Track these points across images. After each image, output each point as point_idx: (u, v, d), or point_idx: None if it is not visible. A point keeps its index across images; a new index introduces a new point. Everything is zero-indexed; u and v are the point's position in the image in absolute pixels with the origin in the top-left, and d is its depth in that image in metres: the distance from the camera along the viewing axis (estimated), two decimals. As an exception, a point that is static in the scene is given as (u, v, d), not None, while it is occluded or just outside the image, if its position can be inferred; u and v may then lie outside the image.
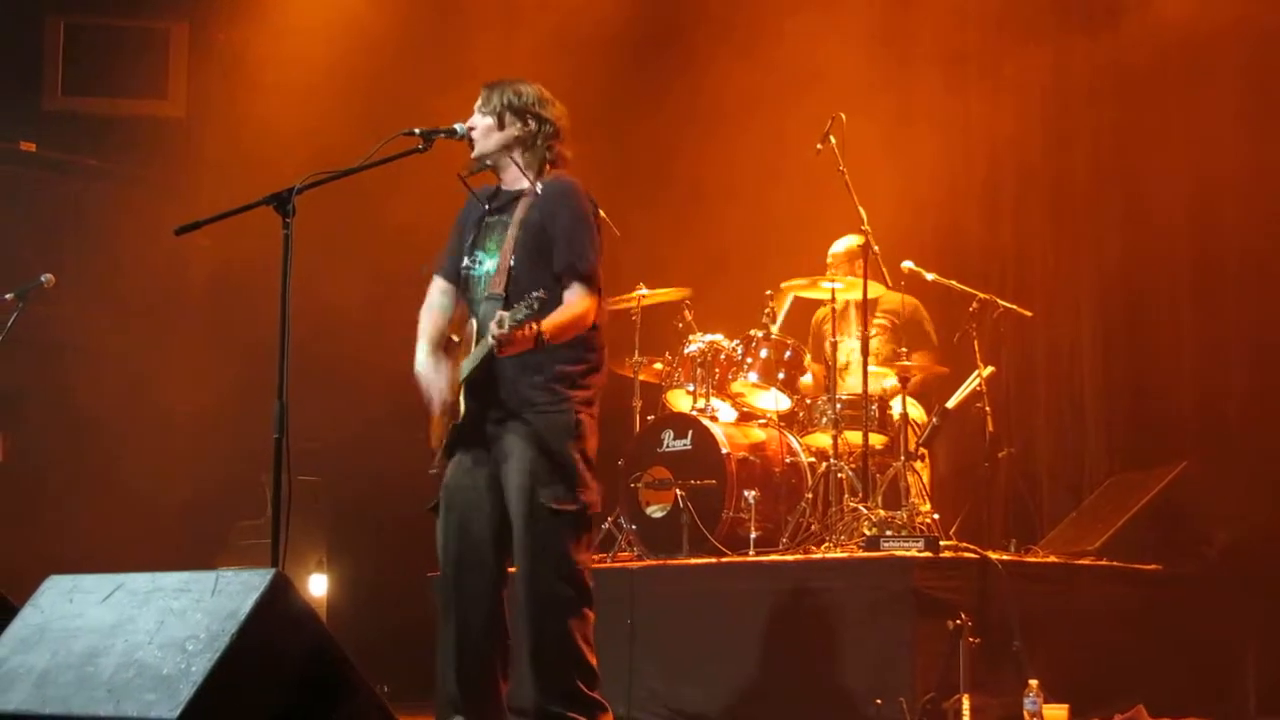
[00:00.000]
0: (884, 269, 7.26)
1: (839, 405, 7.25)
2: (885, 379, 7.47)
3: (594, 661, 4.93)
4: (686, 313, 7.88)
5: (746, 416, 7.66)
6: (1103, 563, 6.79)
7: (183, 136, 9.42)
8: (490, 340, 4.64)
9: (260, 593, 3.67)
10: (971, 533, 7.16)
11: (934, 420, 7.35)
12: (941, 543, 6.30)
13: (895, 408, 7.28)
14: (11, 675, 3.85)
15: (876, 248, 7.17)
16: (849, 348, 7.56)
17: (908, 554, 6.14)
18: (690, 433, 7.27)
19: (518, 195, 5.09)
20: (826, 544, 6.81)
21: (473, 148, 5.09)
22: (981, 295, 7.50)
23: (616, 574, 6.86)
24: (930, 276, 7.61)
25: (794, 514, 7.14)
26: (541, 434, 4.89)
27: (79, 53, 9.44)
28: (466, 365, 4.96)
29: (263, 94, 9.11)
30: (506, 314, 4.59)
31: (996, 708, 5.83)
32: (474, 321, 5.01)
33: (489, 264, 5.05)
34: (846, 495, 7.03)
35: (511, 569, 5.04)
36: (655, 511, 7.25)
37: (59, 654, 3.83)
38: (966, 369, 7.48)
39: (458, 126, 5.05)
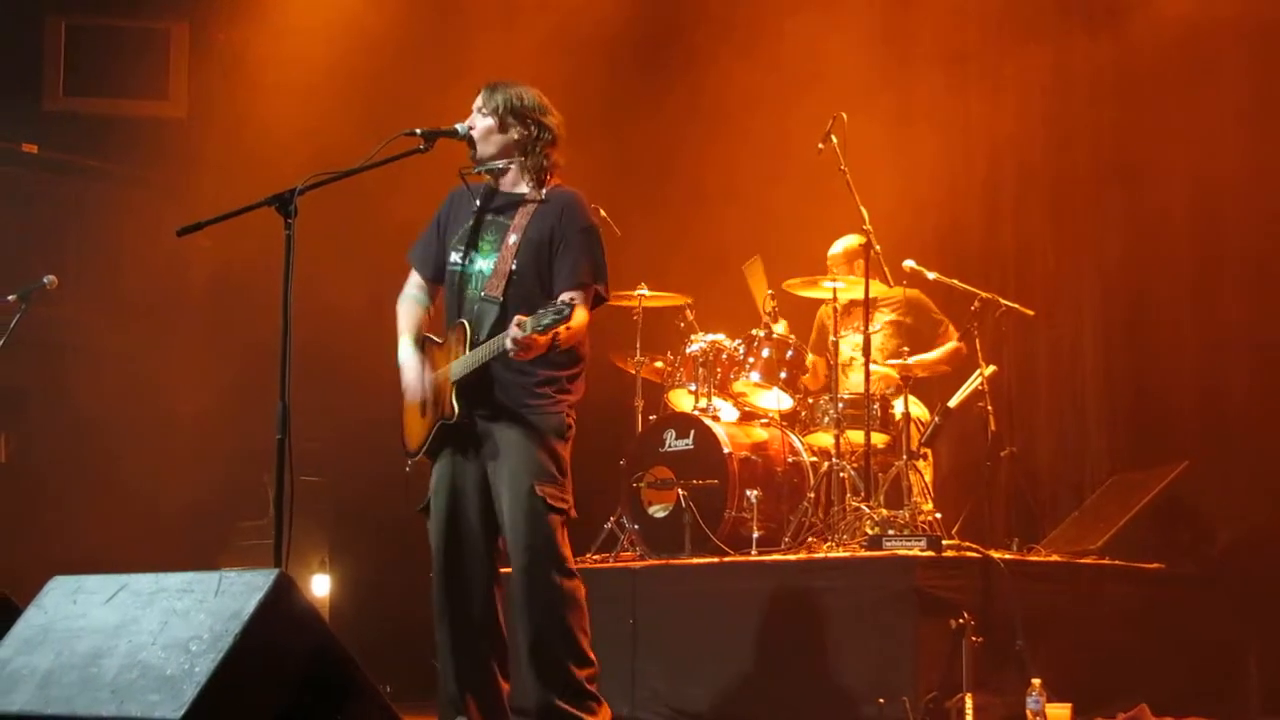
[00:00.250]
0: (885, 268, 7.25)
1: (841, 404, 7.25)
2: (887, 370, 7.47)
3: (591, 653, 4.98)
4: (688, 312, 7.88)
5: (748, 416, 7.66)
6: (1105, 562, 6.79)
7: (184, 137, 9.42)
8: (508, 343, 4.66)
9: (263, 593, 3.68)
10: (974, 532, 7.16)
11: (936, 419, 7.35)
12: (944, 542, 6.30)
13: (897, 407, 7.28)
14: (15, 676, 3.85)
15: (878, 247, 7.17)
16: (853, 342, 7.56)
17: (910, 553, 6.14)
18: (692, 432, 7.27)
19: (518, 200, 5.10)
20: (829, 543, 6.81)
21: (474, 148, 5.10)
22: (983, 294, 7.51)
23: (619, 574, 6.87)
24: (932, 276, 7.61)
25: (796, 513, 7.14)
26: (537, 432, 4.94)
27: (80, 54, 9.44)
28: (459, 367, 4.96)
29: (264, 94, 9.11)
30: (528, 319, 4.61)
31: (999, 707, 5.83)
32: (465, 323, 5.00)
33: (483, 264, 5.06)
34: (849, 494, 7.03)
35: (504, 569, 5.06)
36: (657, 511, 7.25)
37: (63, 655, 3.84)
38: (968, 368, 7.48)
39: (459, 127, 5.06)
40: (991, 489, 7.49)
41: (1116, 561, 6.79)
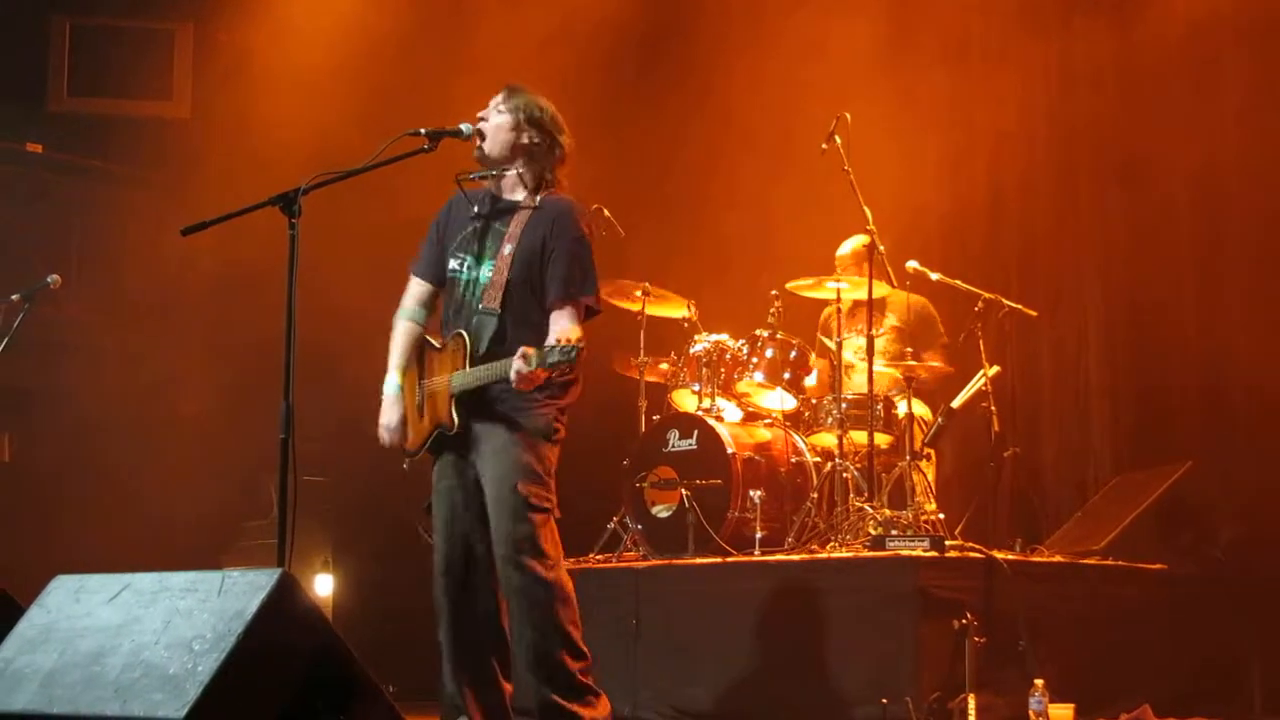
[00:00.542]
0: (889, 269, 7.26)
1: (844, 405, 7.26)
2: (890, 371, 7.47)
3: (583, 644, 5.00)
4: (692, 313, 7.88)
5: (752, 416, 7.66)
6: (1108, 562, 6.79)
7: (188, 137, 9.41)
8: (511, 375, 4.69)
9: (267, 592, 3.68)
10: (977, 532, 7.16)
11: (939, 420, 7.35)
12: (947, 542, 6.31)
13: (901, 407, 7.28)
14: (18, 675, 3.86)
15: (882, 247, 7.18)
16: (856, 344, 7.56)
17: (913, 553, 6.15)
18: (696, 432, 7.27)
19: (513, 206, 5.10)
20: (832, 544, 6.81)
21: (479, 146, 5.09)
22: (986, 295, 7.51)
23: (622, 574, 6.87)
24: (935, 276, 7.61)
25: (799, 514, 7.14)
26: (523, 432, 4.96)
27: (84, 54, 9.45)
28: (459, 381, 4.97)
29: (268, 95, 9.11)
30: (534, 353, 4.64)
31: (1002, 707, 5.83)
32: (464, 335, 5.00)
33: (481, 272, 5.06)
34: (852, 495, 7.04)
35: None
36: (661, 511, 7.25)
37: (66, 654, 3.84)
38: (972, 369, 7.48)
39: (463, 127, 5.06)
40: (995, 489, 7.49)
41: (1119, 562, 6.79)
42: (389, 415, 5.15)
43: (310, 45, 9.16)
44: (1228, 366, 7.72)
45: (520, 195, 5.12)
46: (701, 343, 7.60)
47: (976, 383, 7.40)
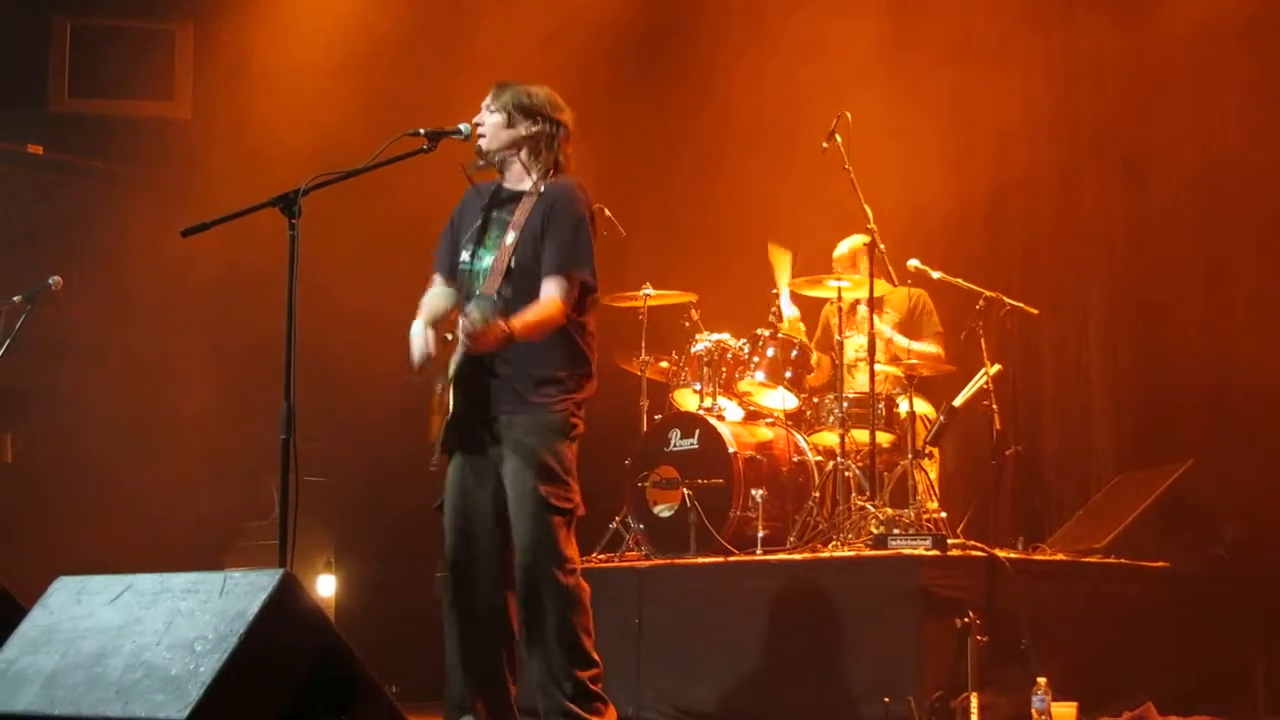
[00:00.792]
0: (889, 267, 7.25)
1: (846, 404, 7.26)
2: (893, 381, 7.49)
3: (594, 653, 4.96)
4: (693, 312, 7.89)
5: (753, 415, 7.66)
6: (1110, 560, 6.79)
7: (189, 138, 9.42)
8: (461, 336, 4.66)
9: (268, 593, 3.68)
10: (979, 531, 7.17)
11: (941, 418, 7.35)
12: (949, 541, 6.30)
13: (903, 406, 7.28)
14: (20, 676, 3.86)
15: (882, 246, 7.18)
16: (857, 344, 7.56)
17: (915, 552, 6.15)
18: (697, 432, 7.27)
19: (519, 195, 5.10)
20: (834, 542, 6.81)
21: (477, 147, 5.09)
22: (988, 293, 7.51)
23: (624, 573, 6.87)
24: (936, 275, 7.62)
25: (801, 513, 7.15)
26: (542, 431, 4.92)
27: (85, 55, 9.44)
28: (453, 361, 4.97)
29: (269, 95, 9.11)
30: (474, 309, 4.60)
31: (1004, 706, 5.83)
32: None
33: (486, 260, 5.05)
34: (854, 494, 7.04)
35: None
36: (663, 511, 7.25)
37: (68, 655, 3.84)
38: (973, 367, 7.47)
39: (462, 126, 5.05)
40: (997, 488, 7.49)
41: (1122, 560, 6.79)
42: (415, 344, 5.03)
43: (311, 45, 9.16)
44: (1230, 364, 7.71)
45: (526, 184, 5.11)
46: (703, 342, 7.60)
47: (978, 381, 7.40)
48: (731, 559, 6.77)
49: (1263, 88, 7.78)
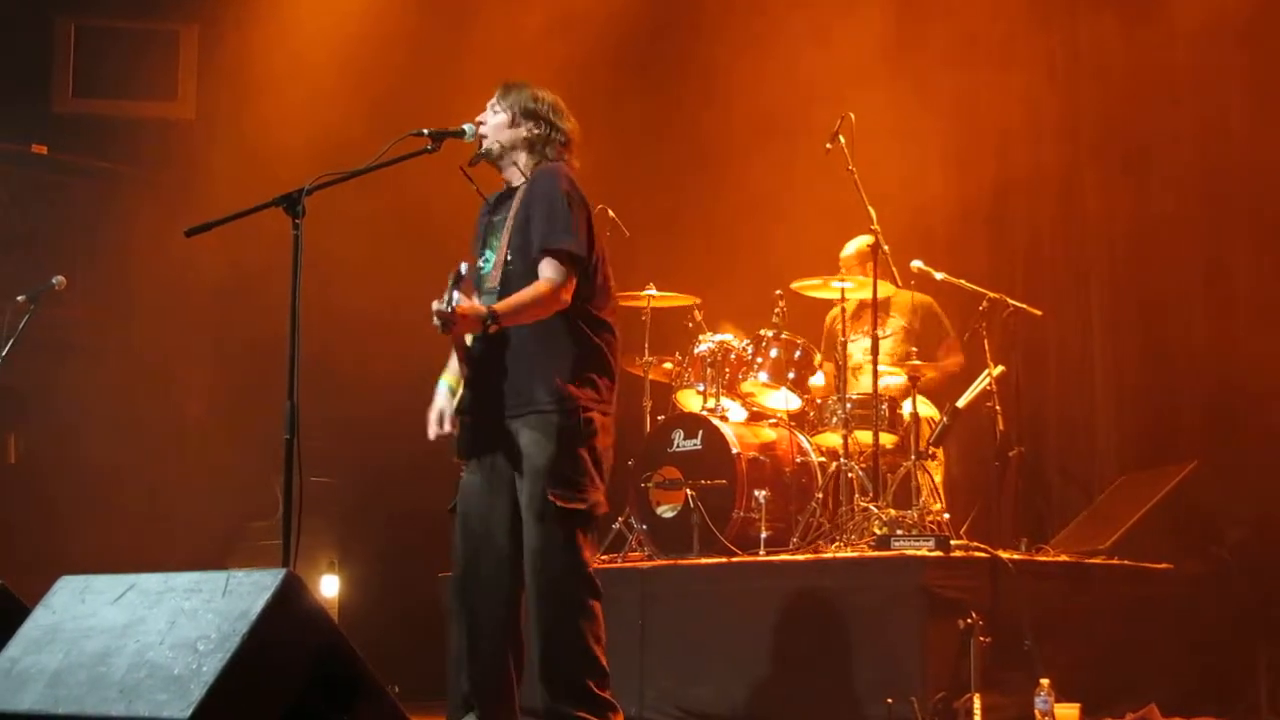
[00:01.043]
0: (894, 268, 7.26)
1: (849, 405, 7.26)
2: (896, 376, 7.47)
3: (604, 661, 4.91)
4: (696, 312, 7.89)
5: (757, 416, 7.67)
6: (1114, 562, 6.79)
7: (192, 139, 9.42)
8: (434, 320, 4.61)
9: (272, 593, 3.67)
10: (982, 532, 7.16)
11: (944, 420, 7.35)
12: (952, 542, 6.31)
13: (906, 407, 7.28)
14: (24, 675, 3.86)
15: (886, 247, 7.18)
16: (862, 347, 7.56)
17: (918, 553, 6.15)
18: (700, 432, 7.27)
19: (514, 192, 5.10)
20: (837, 543, 6.81)
21: (481, 144, 5.09)
22: (991, 294, 7.51)
23: (627, 574, 6.87)
24: (940, 276, 7.62)
25: (804, 513, 7.14)
26: (551, 433, 4.86)
27: (89, 55, 9.44)
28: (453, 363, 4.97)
29: (272, 95, 9.11)
30: (446, 292, 4.56)
31: (1008, 707, 5.83)
32: None
33: (492, 260, 5.05)
34: (857, 495, 7.04)
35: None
36: (666, 511, 7.26)
37: (71, 654, 3.84)
38: (977, 368, 7.47)
39: (466, 127, 5.05)
40: (1000, 489, 7.49)
41: (1125, 562, 6.79)
42: (432, 412, 5.06)
43: (315, 45, 9.17)
44: (1234, 366, 7.70)
45: (521, 181, 5.11)
46: (706, 343, 7.60)
47: (981, 382, 7.40)
48: (734, 560, 6.77)
49: (1265, 87, 7.77)
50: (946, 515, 7.00)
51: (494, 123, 5.09)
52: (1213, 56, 7.91)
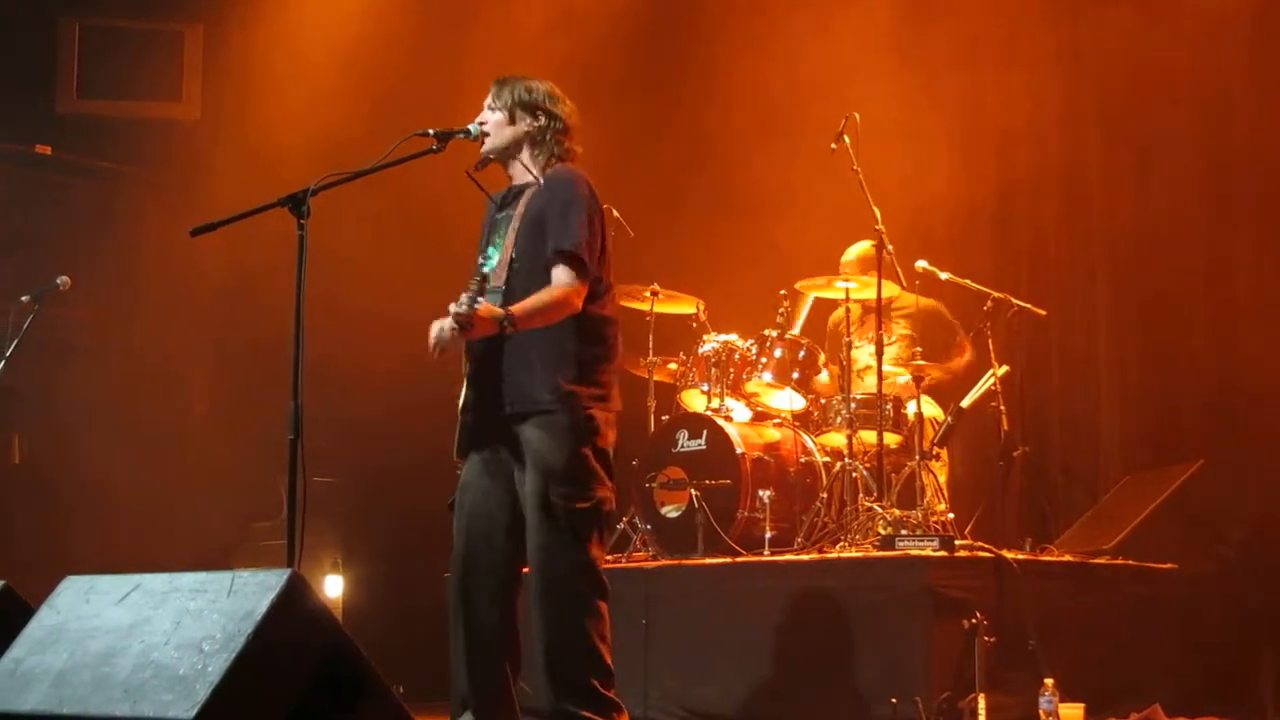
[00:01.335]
0: (898, 269, 7.25)
1: (854, 405, 7.25)
2: (900, 377, 7.47)
3: (609, 660, 4.90)
4: (700, 312, 7.89)
5: (761, 416, 7.67)
6: (1118, 562, 6.78)
7: (197, 139, 9.43)
8: (451, 322, 4.61)
9: (276, 593, 3.67)
10: (986, 532, 7.16)
11: (949, 420, 7.35)
12: (957, 542, 6.30)
13: (910, 407, 7.28)
14: (29, 675, 3.86)
15: (890, 247, 7.17)
16: (868, 352, 7.54)
17: (923, 553, 6.14)
18: (705, 433, 7.27)
19: (523, 190, 5.09)
20: (841, 543, 6.81)
21: (484, 143, 5.09)
22: (995, 294, 7.51)
23: (631, 574, 6.87)
24: (944, 276, 7.62)
25: (809, 513, 7.14)
26: (554, 432, 4.84)
27: (94, 55, 9.44)
28: (464, 360, 4.97)
29: (277, 95, 9.12)
30: (465, 294, 4.56)
31: (1012, 707, 5.83)
32: None
33: (495, 258, 5.04)
34: (861, 495, 7.03)
35: (525, 569, 5.03)
36: (670, 512, 7.25)
37: (76, 654, 3.84)
38: (981, 368, 7.47)
39: (471, 127, 5.05)
40: (1004, 489, 7.49)
41: (1130, 561, 6.79)
42: (432, 330, 4.92)
43: (319, 45, 9.17)
44: (1239, 365, 7.69)
45: (530, 178, 5.09)
46: (710, 343, 7.60)
47: (986, 382, 7.40)
48: (739, 560, 6.77)
49: (1269, 87, 7.76)
50: (951, 515, 7.00)
51: (493, 121, 5.08)
52: (1216, 55, 7.90)
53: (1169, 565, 6.87)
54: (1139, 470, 7.83)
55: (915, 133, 8.56)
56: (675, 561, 6.99)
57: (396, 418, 8.27)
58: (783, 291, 7.67)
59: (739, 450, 7.10)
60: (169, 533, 8.28)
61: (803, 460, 7.32)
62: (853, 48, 8.58)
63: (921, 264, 7.61)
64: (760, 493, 7.02)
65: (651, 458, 7.42)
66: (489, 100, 5.12)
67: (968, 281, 7.63)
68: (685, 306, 7.95)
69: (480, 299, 4.57)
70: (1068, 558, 6.85)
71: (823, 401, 7.54)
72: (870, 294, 7.33)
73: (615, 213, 7.44)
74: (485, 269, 5.04)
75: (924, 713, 5.67)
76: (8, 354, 6.70)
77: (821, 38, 8.71)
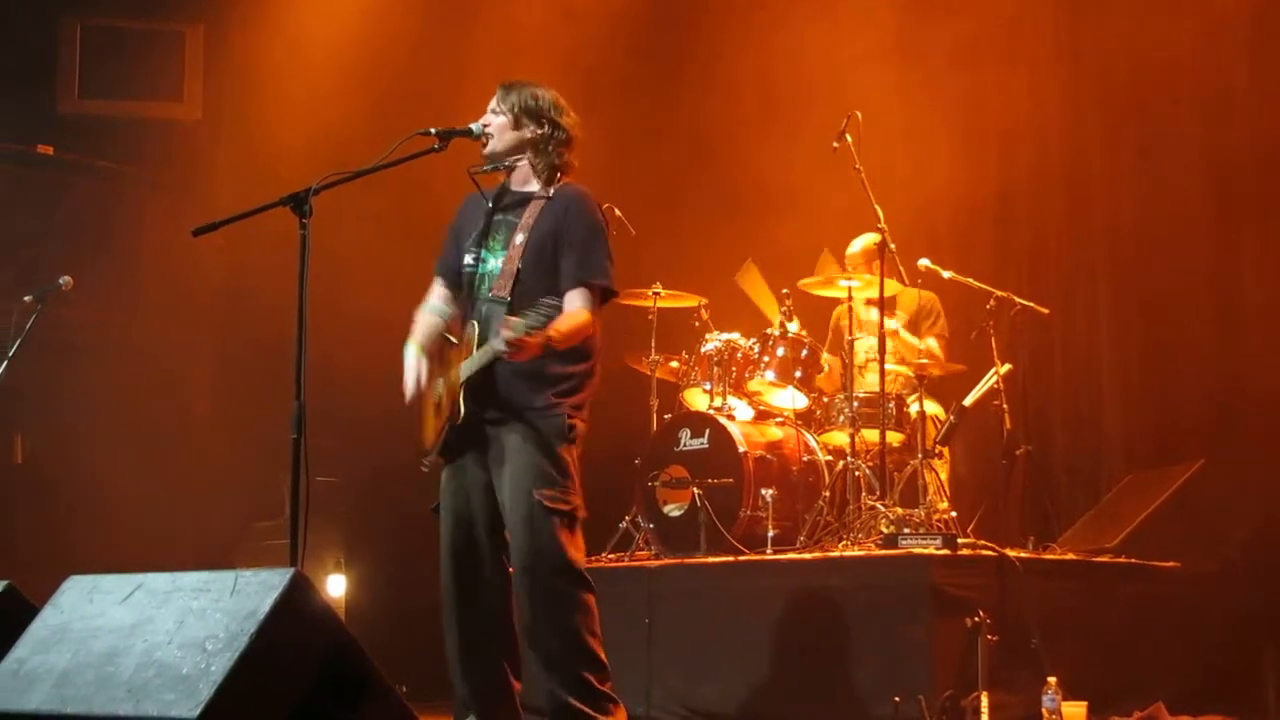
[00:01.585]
0: (901, 267, 7.25)
1: (856, 403, 7.25)
2: (903, 381, 7.48)
3: (602, 654, 4.95)
4: (703, 311, 7.89)
5: (764, 415, 7.66)
6: (1121, 560, 6.78)
7: (199, 139, 9.43)
8: (499, 345, 4.64)
9: (279, 592, 3.68)
10: (989, 530, 7.16)
11: (951, 418, 7.35)
12: (959, 540, 6.30)
13: (913, 406, 7.28)
14: (32, 675, 3.86)
15: (893, 245, 7.17)
16: (867, 346, 7.55)
17: (926, 552, 6.15)
18: (707, 431, 7.27)
19: (527, 198, 5.10)
20: (844, 542, 6.81)
21: (486, 146, 5.09)
22: (998, 293, 7.51)
23: (634, 573, 6.87)
24: (947, 274, 7.62)
25: (811, 512, 7.14)
26: (538, 436, 4.91)
27: (95, 55, 9.44)
28: (467, 366, 4.96)
29: (278, 95, 9.12)
30: (517, 319, 4.60)
31: (1015, 705, 5.82)
32: (474, 324, 5.00)
33: (493, 263, 5.05)
34: (864, 493, 7.03)
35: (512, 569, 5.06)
36: (673, 510, 7.25)
37: (79, 654, 3.84)
38: (984, 367, 7.47)
39: (473, 126, 5.06)
40: (1007, 487, 7.49)
41: (1132, 560, 6.78)
42: (409, 374, 5.06)
43: (320, 45, 9.17)
44: (1241, 364, 7.69)
45: (533, 186, 5.11)
46: (713, 341, 7.60)
47: (988, 381, 7.40)
48: (741, 558, 6.77)
49: (1272, 85, 7.75)
50: (953, 514, 7.00)
51: (497, 124, 5.10)
52: (1218, 54, 7.89)
53: (1171, 564, 6.87)
54: (1141, 469, 7.82)
55: (917, 132, 8.57)
56: (678, 560, 6.99)
57: (399, 417, 8.25)
58: (785, 290, 7.67)
59: (741, 449, 7.10)
60: (171, 532, 8.28)
61: (805, 459, 7.32)
62: (855, 47, 8.58)
63: (924, 262, 7.60)
64: (763, 491, 7.02)
65: (654, 456, 7.42)
66: (494, 103, 5.12)
67: (970, 280, 7.63)
68: (687, 304, 7.95)
69: (535, 328, 4.61)
70: (1070, 556, 6.84)
71: (825, 400, 7.54)
72: (873, 292, 7.33)
73: (618, 211, 7.44)
74: (476, 270, 5.06)
75: (927, 711, 5.66)
76: (10, 354, 6.70)
77: (824, 36, 8.71)
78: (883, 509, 6.83)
